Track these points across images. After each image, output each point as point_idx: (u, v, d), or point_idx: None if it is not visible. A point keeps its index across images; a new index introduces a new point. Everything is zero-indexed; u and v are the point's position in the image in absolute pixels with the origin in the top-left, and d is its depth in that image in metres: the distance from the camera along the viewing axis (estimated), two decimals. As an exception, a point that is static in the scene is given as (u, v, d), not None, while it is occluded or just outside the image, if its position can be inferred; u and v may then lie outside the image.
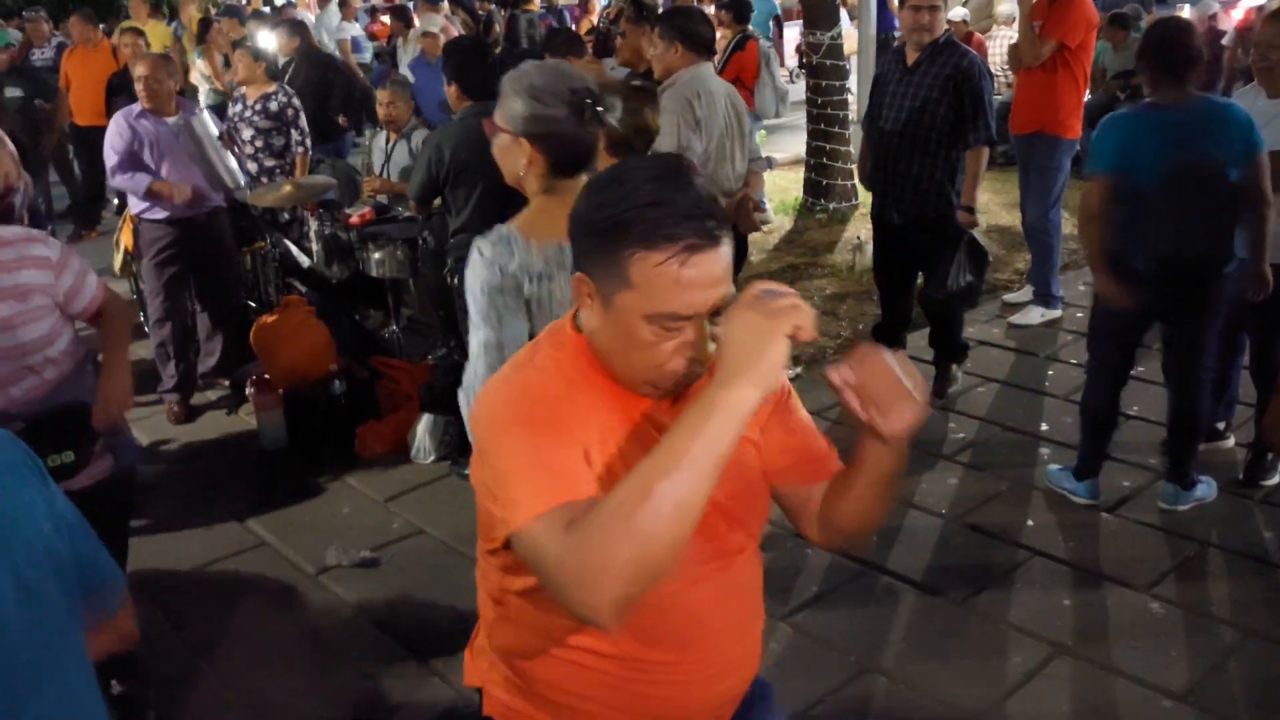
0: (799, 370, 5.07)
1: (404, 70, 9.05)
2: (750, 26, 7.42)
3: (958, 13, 9.69)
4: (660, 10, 5.88)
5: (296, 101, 6.02)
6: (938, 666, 3.02)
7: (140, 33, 7.58)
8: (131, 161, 4.71)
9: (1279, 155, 3.40)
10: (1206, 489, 3.77)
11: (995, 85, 7.13)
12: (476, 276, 2.03)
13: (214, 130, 4.82)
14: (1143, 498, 3.82)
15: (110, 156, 4.74)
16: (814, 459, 1.54)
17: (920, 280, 4.81)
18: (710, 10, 11.77)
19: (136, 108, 4.80)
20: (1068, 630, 3.15)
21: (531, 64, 2.19)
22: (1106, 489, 3.87)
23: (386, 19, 12.01)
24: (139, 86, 4.77)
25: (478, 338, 2.03)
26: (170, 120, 4.81)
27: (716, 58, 7.42)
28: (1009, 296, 5.88)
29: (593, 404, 1.36)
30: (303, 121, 6.00)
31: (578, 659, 1.44)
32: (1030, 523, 3.72)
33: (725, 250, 1.29)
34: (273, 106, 5.92)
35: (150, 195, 4.74)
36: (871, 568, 3.49)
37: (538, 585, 1.30)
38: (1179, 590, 3.31)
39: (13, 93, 6.54)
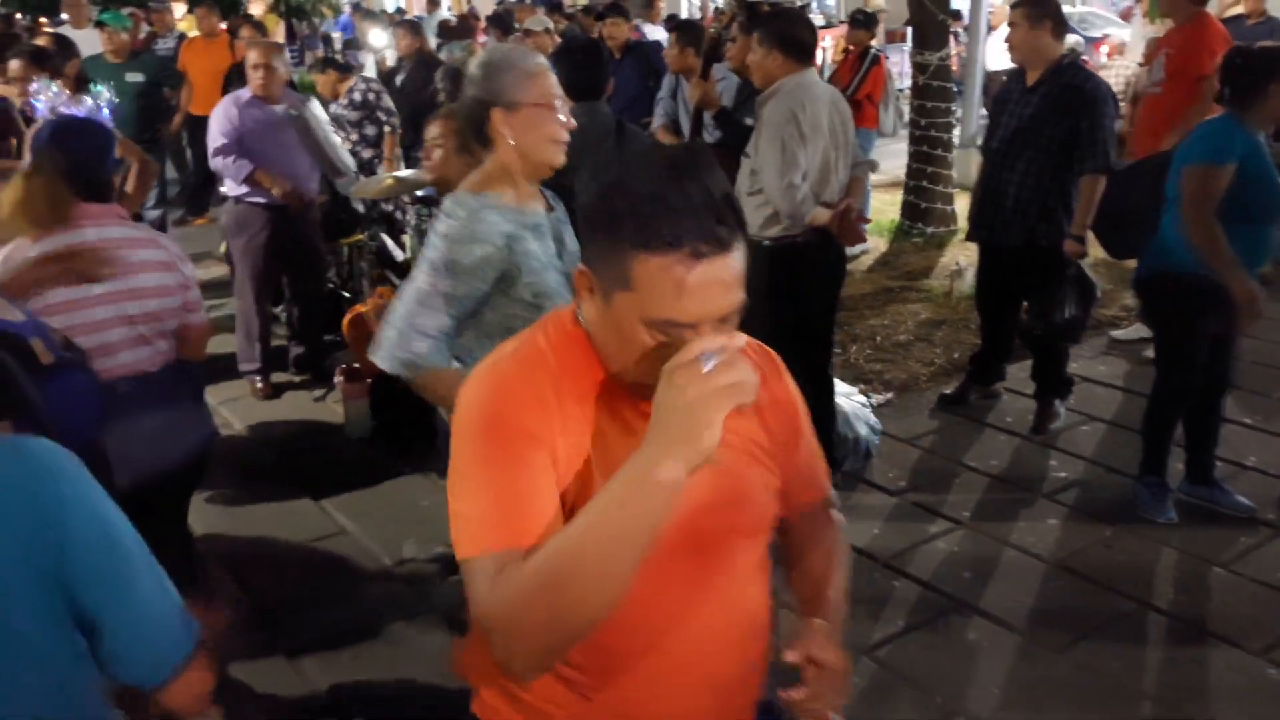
0: (890, 396, 4.93)
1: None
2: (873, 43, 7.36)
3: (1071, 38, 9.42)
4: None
5: (376, 84, 6.19)
6: (1030, 716, 2.85)
7: (259, 25, 7.77)
8: (235, 146, 4.78)
9: None
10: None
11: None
12: None
13: (324, 117, 4.89)
14: (1259, 555, 3.58)
15: (215, 139, 4.80)
16: (814, 480, 1.56)
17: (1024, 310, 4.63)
18: (817, 21, 11.65)
19: (245, 93, 4.87)
20: (1173, 689, 2.95)
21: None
22: (1221, 544, 3.64)
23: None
24: (256, 73, 4.82)
25: None
26: (277, 109, 4.88)
27: (847, 73, 7.35)
28: (1117, 333, 5.63)
29: (580, 399, 1.28)
30: (386, 101, 6.13)
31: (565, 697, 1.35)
32: (1136, 571, 3.50)
33: (736, 256, 1.18)
34: (357, 97, 6.08)
35: (250, 182, 4.80)
36: (963, 605, 3.33)
37: None
38: (1298, 656, 3.08)
39: (134, 78, 6.73)
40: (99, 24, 6.69)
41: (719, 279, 1.16)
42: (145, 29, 9.59)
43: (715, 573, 1.35)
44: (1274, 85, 3.44)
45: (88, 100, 3.16)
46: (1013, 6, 4.39)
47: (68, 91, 3.25)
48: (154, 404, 2.55)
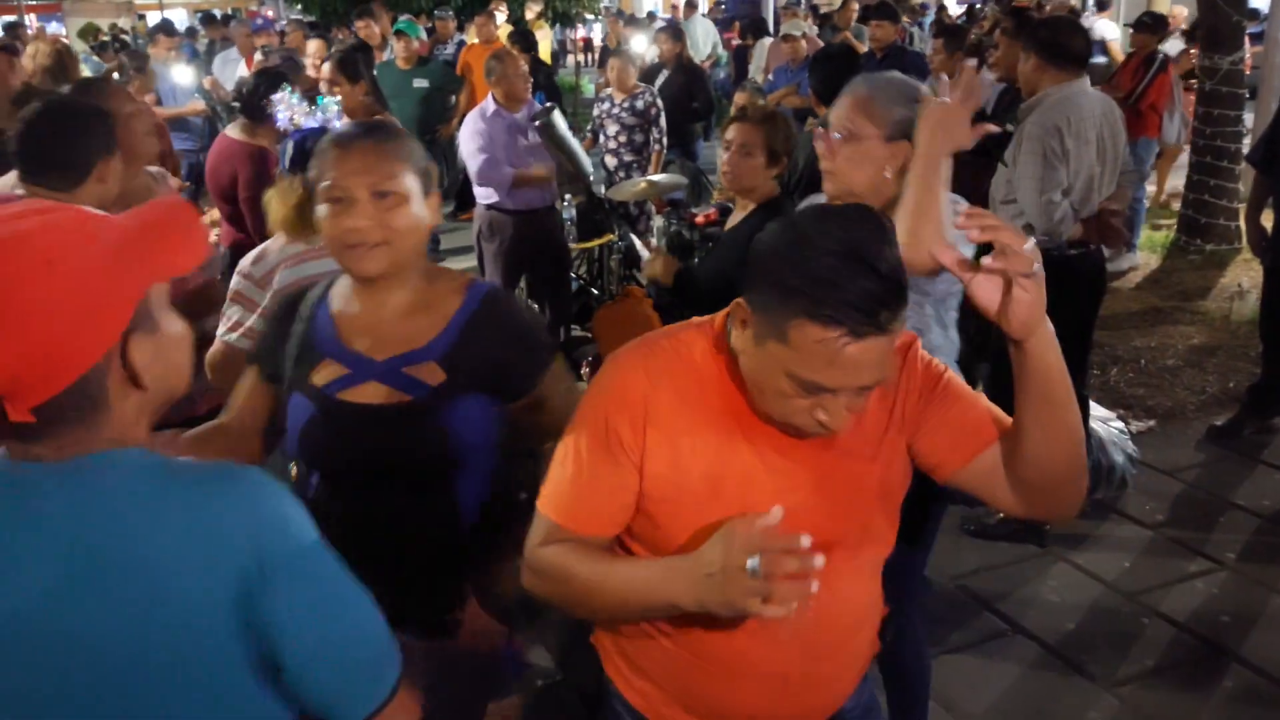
0: (1152, 424, 4.62)
1: (754, 75, 9.23)
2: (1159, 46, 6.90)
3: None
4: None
5: (660, 103, 6.32)
6: (1294, 779, 2.63)
7: (527, 33, 8.26)
8: (491, 161, 5.02)
9: None
10: None
11: None
12: None
13: (565, 126, 5.13)
14: None
15: (471, 159, 5.05)
16: (974, 429, 1.43)
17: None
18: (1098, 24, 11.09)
19: (490, 105, 5.14)
20: None
21: (882, 74, 2.22)
22: None
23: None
24: (502, 82, 5.06)
25: None
26: (518, 115, 5.15)
27: (1129, 79, 6.95)
28: None
29: (697, 411, 1.38)
30: (663, 121, 6.29)
31: (651, 631, 1.48)
32: None
33: (892, 336, 1.25)
34: (639, 105, 6.25)
35: (517, 185, 5.03)
36: (1220, 651, 3.10)
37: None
38: None
39: (420, 83, 7.33)
40: (397, 33, 7.32)
41: (870, 358, 1.23)
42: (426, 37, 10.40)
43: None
44: None
45: (321, 111, 3.27)
46: None
47: (307, 103, 3.38)
48: None
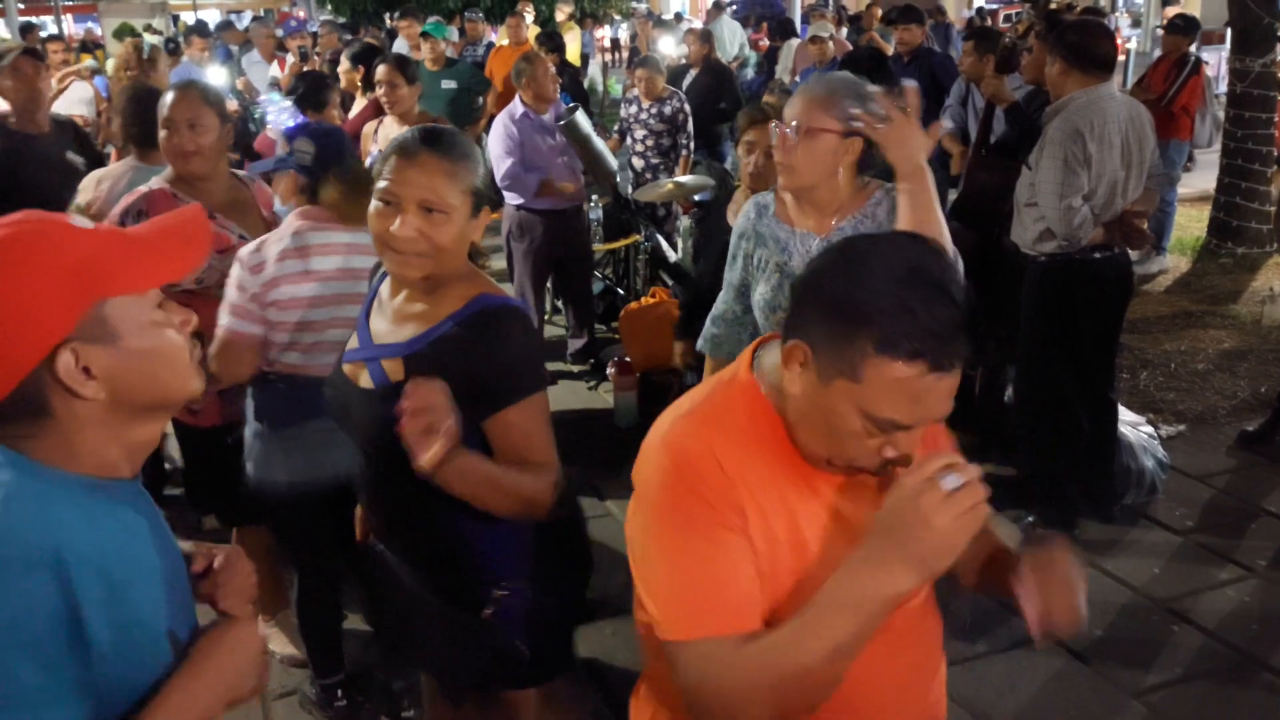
0: (1182, 429, 4.58)
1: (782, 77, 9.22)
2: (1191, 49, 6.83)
3: None
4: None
5: (687, 107, 6.34)
6: (1325, 790, 2.60)
7: (554, 34, 8.29)
8: (520, 163, 5.06)
9: None
10: None
11: None
12: None
13: (589, 125, 5.17)
14: None
15: (499, 162, 5.06)
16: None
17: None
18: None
19: (518, 107, 5.17)
20: None
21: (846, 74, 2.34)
22: None
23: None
24: (531, 84, 5.10)
25: None
26: (544, 117, 5.18)
27: (1160, 81, 6.90)
28: None
29: (765, 463, 1.27)
30: (690, 126, 6.31)
31: None
32: None
33: (960, 369, 1.18)
34: (667, 110, 6.28)
35: (541, 193, 5.06)
36: (1249, 660, 3.07)
37: None
38: None
39: (448, 85, 7.36)
40: (424, 34, 7.37)
41: (947, 389, 1.18)
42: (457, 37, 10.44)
43: (894, 624, 1.28)
44: None
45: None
46: None
47: (289, 102, 3.39)
48: None
